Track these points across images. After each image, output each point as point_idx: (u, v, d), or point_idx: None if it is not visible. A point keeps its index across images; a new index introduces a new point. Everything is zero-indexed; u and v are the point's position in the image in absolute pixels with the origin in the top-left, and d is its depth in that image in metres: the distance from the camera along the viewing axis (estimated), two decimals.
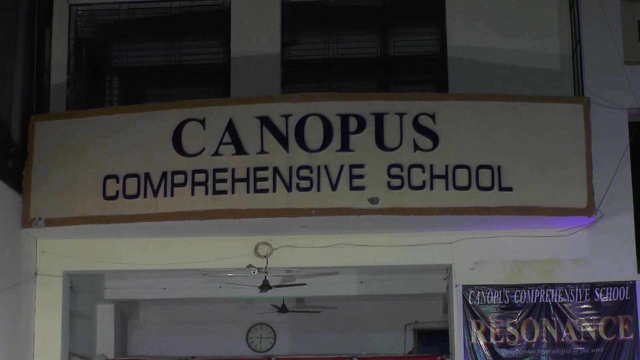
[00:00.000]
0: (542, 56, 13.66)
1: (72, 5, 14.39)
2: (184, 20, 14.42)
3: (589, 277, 12.73)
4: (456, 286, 12.86)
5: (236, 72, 14.02)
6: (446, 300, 13.89)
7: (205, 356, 15.49)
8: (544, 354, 12.64)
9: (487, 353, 12.70)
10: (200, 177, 12.28)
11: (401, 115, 12.35)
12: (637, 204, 12.92)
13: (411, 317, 17.62)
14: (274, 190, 12.19)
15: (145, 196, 12.32)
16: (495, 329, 12.73)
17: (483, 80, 13.54)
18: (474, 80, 13.63)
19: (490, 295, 12.79)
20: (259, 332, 18.26)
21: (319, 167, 12.21)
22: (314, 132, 12.31)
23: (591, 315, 12.67)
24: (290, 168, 12.22)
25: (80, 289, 14.72)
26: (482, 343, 12.72)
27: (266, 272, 13.22)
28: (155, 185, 12.32)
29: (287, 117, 12.35)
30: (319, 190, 12.17)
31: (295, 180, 12.20)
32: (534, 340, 12.68)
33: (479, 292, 12.80)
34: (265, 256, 13.04)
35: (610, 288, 12.68)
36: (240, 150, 12.33)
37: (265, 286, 13.57)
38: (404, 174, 12.18)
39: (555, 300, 12.72)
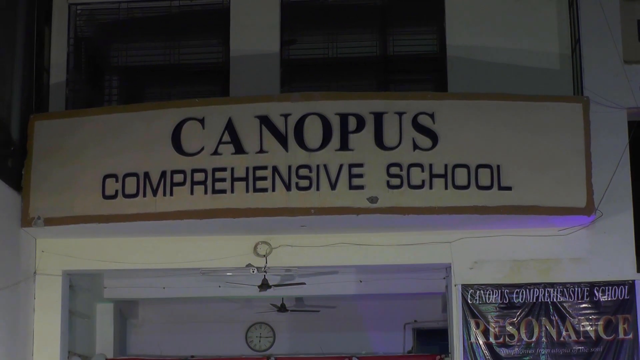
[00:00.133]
0: (541, 55, 13.65)
1: (71, 5, 14.39)
2: (184, 19, 14.42)
3: (588, 277, 12.73)
4: (455, 285, 12.86)
5: (235, 72, 14.02)
6: (445, 300, 13.89)
7: (204, 355, 15.49)
8: (543, 353, 12.64)
9: (486, 352, 12.70)
10: (199, 177, 12.28)
11: (400, 114, 12.35)
12: (636, 203, 12.92)
13: (410, 317, 17.64)
14: (273, 190, 12.19)
15: (144, 195, 12.32)
16: (494, 328, 12.73)
17: (482, 80, 13.54)
18: (473, 79, 13.63)
19: (489, 294, 12.79)
20: (258, 331, 18.28)
21: (318, 166, 12.21)
22: (313, 132, 12.31)
23: (590, 314, 12.67)
24: (290, 167, 12.22)
25: (80, 288, 14.73)
26: (481, 342, 12.72)
27: (265, 272, 13.22)
28: (155, 184, 12.32)
29: (286, 116, 12.35)
30: (318, 189, 12.17)
31: (294, 179, 12.20)
32: (533, 339, 12.68)
33: (478, 292, 12.80)
34: (264, 255, 13.04)
35: (610, 287, 12.68)
36: (239, 149, 12.33)
37: (264, 285, 13.58)
38: (403, 173, 12.18)
39: (555, 300, 12.72)
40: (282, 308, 17.03)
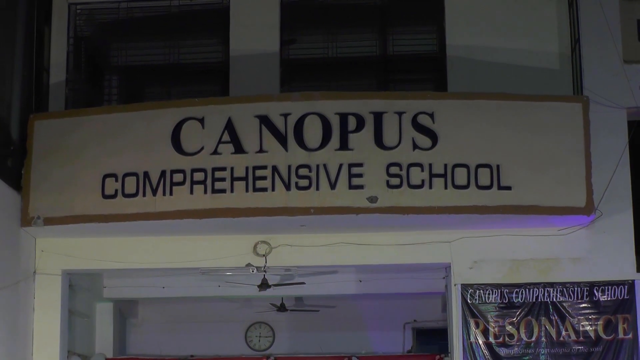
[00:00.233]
0: (541, 55, 13.65)
1: (71, 4, 14.39)
2: (183, 19, 14.41)
3: (588, 276, 12.73)
4: (455, 285, 12.86)
5: (235, 71, 14.02)
6: (445, 299, 13.89)
7: (203, 355, 15.48)
8: (542, 353, 12.64)
9: (485, 352, 12.70)
10: (199, 176, 12.28)
11: (400, 114, 12.35)
12: (636, 202, 12.92)
13: (410, 316, 17.64)
14: (273, 189, 12.19)
15: (144, 195, 12.32)
16: (494, 328, 12.73)
17: (482, 79, 13.54)
18: (473, 79, 13.63)
19: (489, 294, 12.79)
20: (258, 330, 18.28)
21: (317, 166, 12.21)
22: (312, 131, 12.31)
23: (590, 314, 12.67)
24: (289, 167, 12.22)
25: (79, 288, 14.73)
26: (481, 342, 12.72)
27: (265, 271, 13.22)
28: (154, 184, 12.32)
29: (286, 116, 12.35)
30: (317, 189, 12.17)
31: (294, 179, 12.20)
32: (533, 339, 12.68)
33: (477, 291, 12.80)
34: (264, 255, 13.04)
35: (609, 287, 12.68)
36: (239, 149, 12.32)
37: (264, 285, 13.58)
38: (403, 172, 12.18)
39: (554, 299, 12.72)
40: (281, 308, 17.03)
